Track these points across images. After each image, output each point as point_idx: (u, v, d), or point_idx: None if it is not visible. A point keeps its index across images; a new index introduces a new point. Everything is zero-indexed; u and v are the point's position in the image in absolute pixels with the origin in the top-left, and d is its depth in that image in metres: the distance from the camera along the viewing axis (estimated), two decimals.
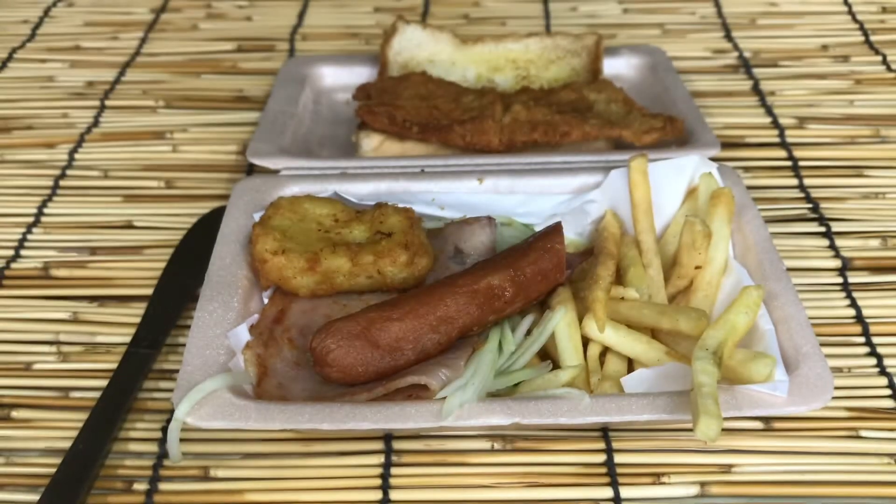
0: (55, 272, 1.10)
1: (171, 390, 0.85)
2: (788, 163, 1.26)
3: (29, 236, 1.15)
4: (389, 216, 0.97)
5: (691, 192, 1.04)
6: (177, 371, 0.85)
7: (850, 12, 1.60)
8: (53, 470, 0.83)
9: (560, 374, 0.87)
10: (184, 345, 0.88)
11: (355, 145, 1.22)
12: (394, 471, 0.86)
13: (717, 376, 0.78)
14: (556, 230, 0.95)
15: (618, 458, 0.87)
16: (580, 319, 0.91)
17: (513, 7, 1.66)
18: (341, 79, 1.39)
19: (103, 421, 0.87)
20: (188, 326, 0.95)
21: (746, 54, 1.50)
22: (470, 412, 0.81)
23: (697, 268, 0.95)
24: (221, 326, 0.90)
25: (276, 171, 1.13)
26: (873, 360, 0.98)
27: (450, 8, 1.66)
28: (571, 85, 1.26)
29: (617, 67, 1.39)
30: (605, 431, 0.90)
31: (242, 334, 0.91)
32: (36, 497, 0.81)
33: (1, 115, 1.38)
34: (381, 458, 0.87)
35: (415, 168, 1.12)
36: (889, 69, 1.45)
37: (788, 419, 0.90)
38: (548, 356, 0.91)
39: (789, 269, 0.95)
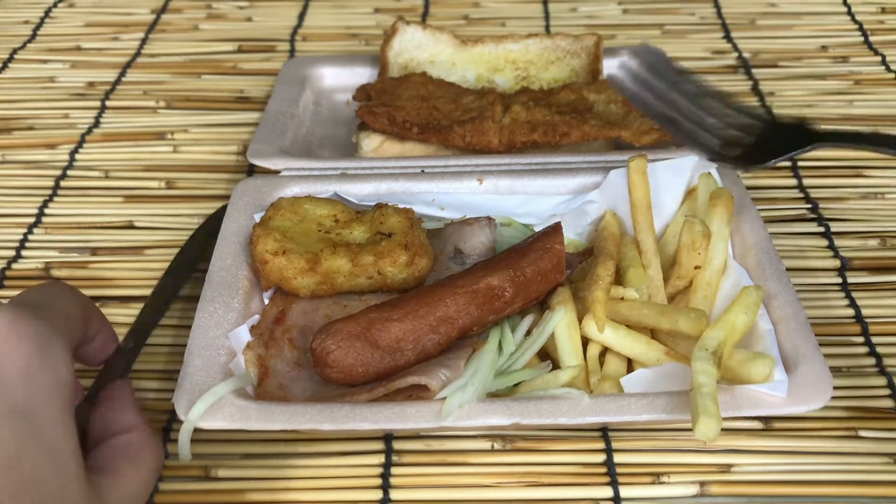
0: (56, 272, 1.10)
1: (171, 390, 0.86)
2: (787, 163, 1.26)
3: (30, 237, 1.16)
4: (389, 217, 0.98)
5: (690, 193, 1.04)
6: (177, 371, 0.85)
7: (850, 13, 1.60)
8: None
9: (560, 374, 0.87)
10: (184, 345, 0.88)
11: (355, 146, 1.23)
12: (394, 470, 0.87)
13: (716, 376, 0.79)
14: (555, 230, 0.95)
15: (617, 458, 0.87)
16: (580, 320, 0.91)
17: (513, 8, 1.66)
18: (341, 79, 1.39)
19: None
20: (182, 326, 0.95)
21: (746, 55, 1.50)
22: (470, 412, 0.81)
23: (697, 268, 0.95)
24: (222, 327, 0.90)
25: (276, 172, 1.13)
26: (872, 360, 0.98)
27: (450, 9, 1.66)
28: (571, 85, 1.26)
29: (617, 68, 1.39)
30: (604, 431, 0.90)
31: (243, 335, 0.91)
32: None
33: (2, 115, 1.38)
34: (381, 458, 0.88)
35: (415, 169, 1.12)
36: (888, 70, 1.45)
37: (788, 419, 0.91)
38: (547, 356, 0.91)
39: (788, 270, 0.95)
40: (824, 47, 1.52)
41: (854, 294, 1.06)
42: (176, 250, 1.09)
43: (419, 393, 0.83)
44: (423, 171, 1.11)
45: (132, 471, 0.75)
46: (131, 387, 0.84)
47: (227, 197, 1.10)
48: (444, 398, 0.82)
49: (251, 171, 1.26)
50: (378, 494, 0.84)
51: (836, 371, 0.96)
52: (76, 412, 0.79)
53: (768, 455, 0.88)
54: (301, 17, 1.64)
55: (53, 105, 1.40)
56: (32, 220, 1.18)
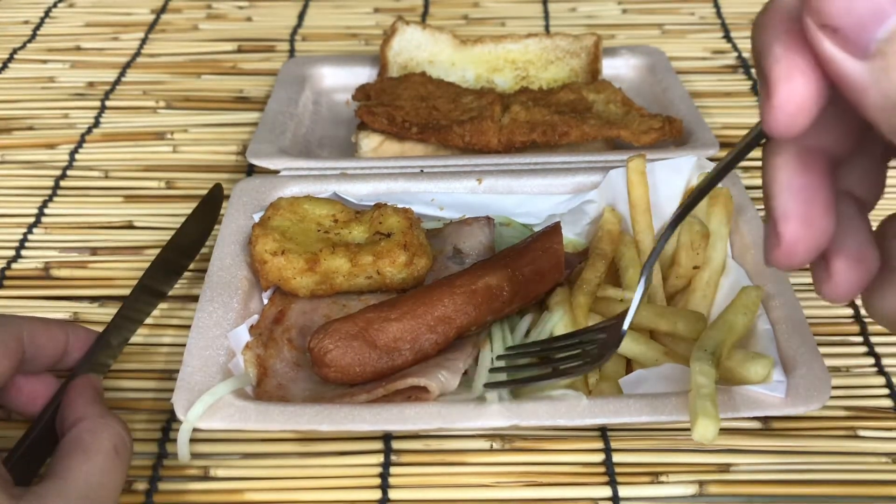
0: (56, 272, 1.10)
1: (170, 390, 0.86)
2: None
3: (30, 237, 1.16)
4: (388, 216, 0.98)
5: (689, 193, 1.04)
6: (176, 371, 0.85)
7: None
8: None
9: None
10: (183, 345, 0.88)
11: (355, 146, 1.23)
12: (393, 470, 0.87)
13: (715, 377, 0.79)
14: (554, 230, 0.95)
15: (616, 458, 0.87)
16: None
17: (512, 8, 1.66)
18: (341, 79, 1.39)
19: None
20: (181, 326, 0.95)
21: (745, 55, 1.50)
22: (469, 414, 0.81)
23: (696, 268, 0.95)
24: (221, 327, 0.90)
25: (275, 172, 1.13)
26: (871, 360, 0.98)
27: (449, 8, 1.66)
28: (570, 85, 1.26)
29: (616, 68, 1.39)
30: (603, 431, 0.90)
31: (242, 335, 0.91)
32: None
33: (2, 115, 1.38)
34: (380, 458, 0.88)
35: (414, 168, 1.12)
36: None
37: (787, 418, 0.90)
38: None
39: None
40: None
41: None
42: None
43: (418, 394, 0.83)
44: (422, 170, 1.11)
45: (84, 462, 0.74)
46: (84, 381, 0.84)
47: (227, 197, 1.10)
48: (443, 399, 0.82)
49: (250, 170, 1.26)
50: (377, 494, 0.84)
51: (834, 371, 0.96)
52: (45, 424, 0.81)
53: (767, 455, 0.88)
54: (301, 17, 1.64)
55: (53, 105, 1.41)
56: (32, 219, 1.18)
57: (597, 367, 0.81)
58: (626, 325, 0.76)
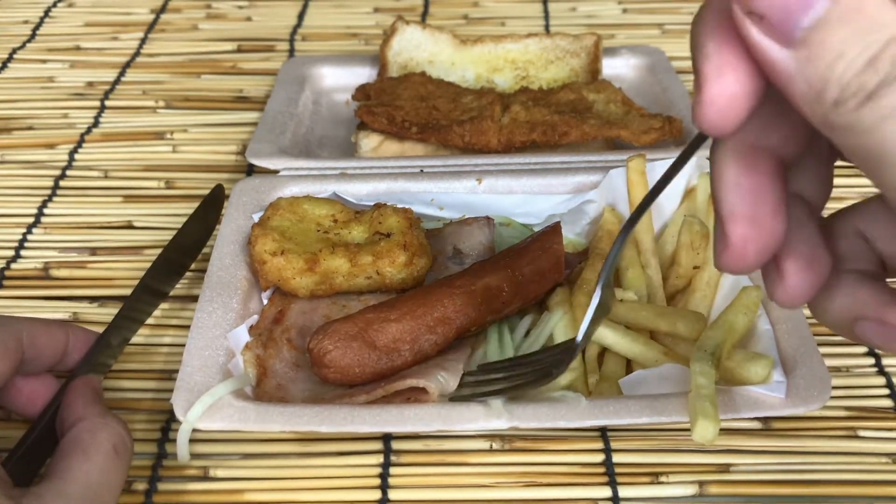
0: (55, 272, 1.10)
1: (170, 391, 0.85)
2: None
3: (29, 237, 1.16)
4: (388, 217, 0.98)
5: (690, 192, 1.04)
6: (176, 371, 0.85)
7: None
8: None
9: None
10: (183, 345, 0.88)
11: (354, 145, 1.23)
12: (393, 471, 0.86)
13: (715, 377, 0.79)
14: (554, 230, 0.95)
15: (616, 458, 0.87)
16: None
17: (512, 7, 1.66)
18: (341, 79, 1.39)
19: None
20: (181, 326, 0.95)
21: None
22: (468, 415, 0.81)
23: (696, 268, 0.95)
24: (221, 327, 0.90)
25: (275, 172, 1.13)
26: (871, 360, 0.98)
27: (449, 8, 1.66)
28: (570, 85, 1.26)
29: (616, 68, 1.39)
30: (603, 431, 0.90)
31: (242, 335, 0.91)
32: None
33: (1, 115, 1.38)
34: (380, 458, 0.87)
35: (414, 168, 1.12)
36: None
37: (787, 419, 0.90)
38: None
39: None
40: None
41: None
42: None
43: (417, 395, 0.83)
44: (422, 170, 1.11)
45: (84, 462, 0.73)
46: (83, 381, 0.84)
47: (227, 196, 1.10)
48: (443, 400, 0.82)
49: (250, 170, 1.26)
50: (377, 494, 0.84)
51: (834, 371, 0.96)
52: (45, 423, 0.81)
53: (767, 455, 0.88)
54: (301, 16, 1.64)
55: (53, 105, 1.40)
56: (31, 219, 1.18)
57: (552, 379, 0.80)
58: (580, 336, 0.74)
